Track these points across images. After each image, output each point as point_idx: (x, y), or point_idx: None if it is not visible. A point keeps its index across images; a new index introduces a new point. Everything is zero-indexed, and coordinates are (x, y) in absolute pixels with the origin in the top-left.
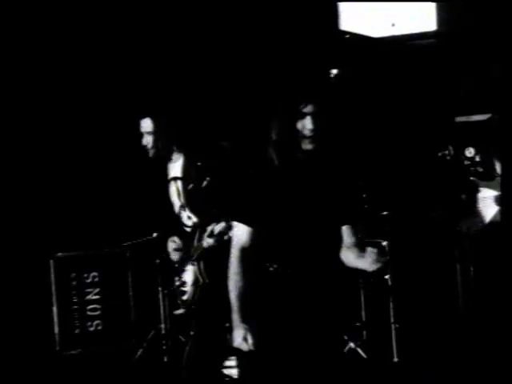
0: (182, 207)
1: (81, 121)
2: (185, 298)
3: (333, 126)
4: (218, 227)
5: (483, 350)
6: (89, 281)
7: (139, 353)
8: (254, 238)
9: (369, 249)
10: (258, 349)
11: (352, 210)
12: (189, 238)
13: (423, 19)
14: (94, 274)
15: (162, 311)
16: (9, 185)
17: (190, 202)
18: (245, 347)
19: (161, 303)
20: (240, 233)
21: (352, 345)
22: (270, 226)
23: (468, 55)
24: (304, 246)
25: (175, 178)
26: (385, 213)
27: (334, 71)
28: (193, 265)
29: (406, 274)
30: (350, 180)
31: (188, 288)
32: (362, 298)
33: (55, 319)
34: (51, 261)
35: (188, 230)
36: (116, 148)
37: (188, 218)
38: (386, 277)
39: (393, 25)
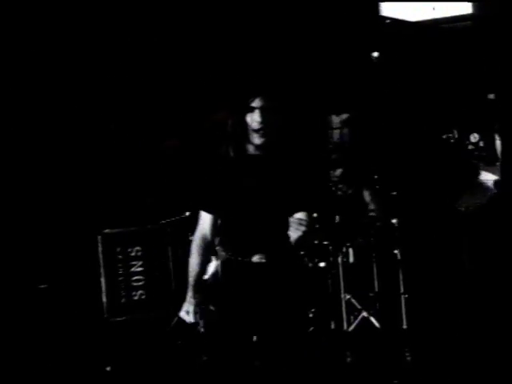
0: None
1: (132, 99)
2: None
3: (281, 120)
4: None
5: (486, 316)
6: (133, 254)
7: (175, 319)
8: (214, 225)
9: (291, 219)
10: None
11: (303, 197)
12: None
13: (459, 2)
14: (138, 248)
15: None
16: (65, 170)
17: None
18: (187, 319)
19: None
20: (202, 220)
21: (365, 314)
22: (228, 214)
23: (503, 38)
24: (259, 232)
25: None
26: (394, 193)
27: (375, 54)
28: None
29: (413, 249)
30: (299, 170)
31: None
32: (375, 271)
33: (103, 289)
34: (99, 237)
35: None
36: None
37: None
38: (396, 251)
39: (433, 8)
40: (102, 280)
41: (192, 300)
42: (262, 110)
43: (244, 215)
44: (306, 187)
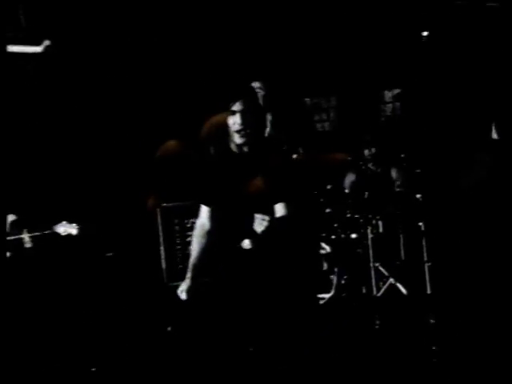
0: None
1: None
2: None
3: (261, 122)
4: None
5: (502, 281)
6: (188, 225)
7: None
8: (211, 215)
9: (256, 215)
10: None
11: (282, 190)
12: None
13: None
14: (193, 220)
15: None
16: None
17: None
18: (182, 297)
19: None
20: (201, 211)
21: (392, 280)
22: (220, 205)
23: None
24: (246, 220)
25: None
26: (419, 170)
27: (425, 33)
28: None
29: (436, 221)
30: (277, 166)
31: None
32: (401, 241)
33: (162, 257)
34: (158, 210)
35: None
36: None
37: None
38: (420, 223)
39: None
40: (162, 249)
41: (189, 280)
42: (242, 112)
43: (232, 205)
44: (284, 179)
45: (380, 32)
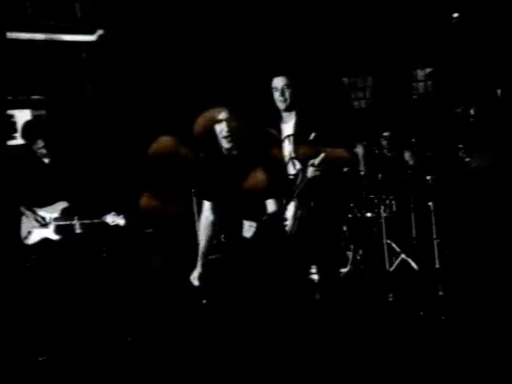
0: (292, 159)
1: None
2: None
3: (245, 128)
4: (318, 159)
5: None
6: None
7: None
8: (213, 208)
9: (244, 221)
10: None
11: (271, 188)
12: (293, 181)
13: None
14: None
15: None
16: None
17: (297, 153)
18: (195, 283)
19: None
20: (205, 205)
21: (404, 256)
22: (219, 200)
23: None
24: (241, 215)
25: (288, 136)
26: (429, 154)
27: (455, 15)
28: (294, 200)
29: (444, 201)
30: (262, 164)
31: (289, 222)
32: (412, 219)
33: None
34: (193, 190)
35: (291, 177)
36: None
37: (293, 167)
38: (430, 203)
39: None
40: (197, 225)
41: (200, 267)
42: (227, 120)
43: (229, 200)
44: (270, 177)
45: (413, 13)
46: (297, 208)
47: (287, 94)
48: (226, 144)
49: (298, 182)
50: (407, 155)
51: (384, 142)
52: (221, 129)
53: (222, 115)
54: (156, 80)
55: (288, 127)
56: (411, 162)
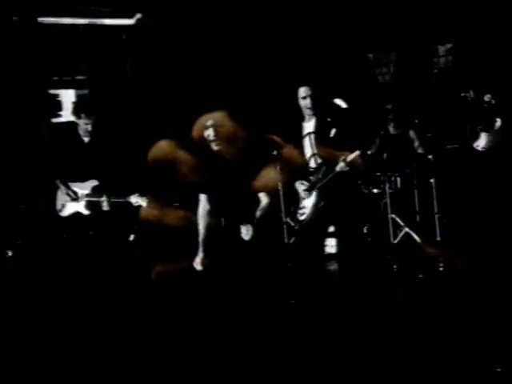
0: (313, 155)
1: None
2: (302, 218)
3: (232, 132)
4: (352, 156)
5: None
6: None
7: None
8: (208, 200)
9: (242, 226)
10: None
11: (262, 182)
12: (313, 174)
13: None
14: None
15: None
16: None
17: (319, 150)
18: (197, 268)
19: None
20: (201, 197)
21: (407, 229)
22: (213, 193)
23: None
24: (234, 207)
25: (309, 133)
26: (429, 135)
27: None
28: (316, 191)
29: (445, 178)
30: (247, 163)
31: (307, 210)
32: (415, 195)
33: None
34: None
35: (312, 170)
36: None
37: (315, 162)
38: (431, 180)
39: None
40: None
41: (201, 253)
42: (214, 127)
43: (220, 193)
44: (257, 173)
45: None
46: (318, 198)
47: (310, 100)
48: (214, 146)
49: (319, 175)
50: (412, 134)
51: (391, 124)
52: (208, 134)
53: (209, 122)
54: (189, 62)
55: (309, 126)
56: (416, 142)
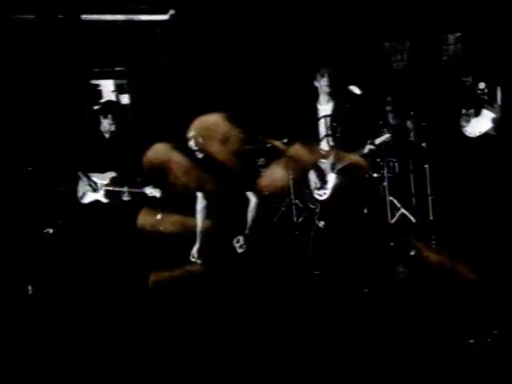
0: (326, 136)
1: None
2: (323, 198)
3: (214, 139)
4: (381, 138)
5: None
6: (259, 164)
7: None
8: (202, 197)
9: (234, 240)
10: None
11: (247, 182)
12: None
13: None
14: (262, 159)
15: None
16: None
17: (333, 132)
18: (193, 258)
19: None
20: (198, 195)
21: (403, 210)
22: (207, 192)
23: None
24: (227, 205)
25: (325, 116)
26: (423, 124)
27: None
28: (335, 173)
29: (437, 164)
30: (233, 167)
31: (327, 190)
32: (411, 179)
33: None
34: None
35: (323, 152)
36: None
37: (327, 144)
38: (425, 166)
39: None
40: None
41: (198, 244)
42: (194, 137)
43: (212, 191)
44: (241, 175)
45: None
46: (339, 180)
47: (329, 83)
48: (198, 154)
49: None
50: (408, 124)
51: (390, 114)
52: (190, 144)
53: (190, 133)
54: (218, 57)
55: (326, 108)
56: (412, 131)
